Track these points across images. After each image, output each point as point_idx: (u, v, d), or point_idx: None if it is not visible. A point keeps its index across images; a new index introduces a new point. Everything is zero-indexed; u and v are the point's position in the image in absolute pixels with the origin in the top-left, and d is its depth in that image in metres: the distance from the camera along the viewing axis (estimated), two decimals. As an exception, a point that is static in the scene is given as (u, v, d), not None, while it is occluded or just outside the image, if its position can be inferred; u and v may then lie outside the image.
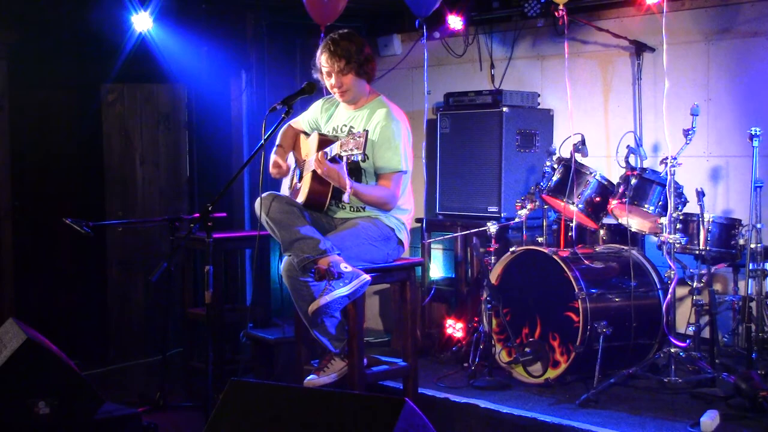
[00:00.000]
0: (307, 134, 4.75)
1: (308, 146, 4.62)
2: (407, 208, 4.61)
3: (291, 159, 4.80)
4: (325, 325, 4.46)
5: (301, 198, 4.46)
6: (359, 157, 4.16)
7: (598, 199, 5.32)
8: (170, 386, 5.49)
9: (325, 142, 4.45)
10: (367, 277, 4.27)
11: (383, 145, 4.40)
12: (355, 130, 4.50)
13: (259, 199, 4.41)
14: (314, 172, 4.35)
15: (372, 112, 4.52)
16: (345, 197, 4.27)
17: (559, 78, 6.09)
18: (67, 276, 6.83)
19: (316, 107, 4.75)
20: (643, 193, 5.07)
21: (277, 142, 4.76)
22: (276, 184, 4.88)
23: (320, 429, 3.11)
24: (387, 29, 7.23)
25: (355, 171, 4.44)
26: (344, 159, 4.20)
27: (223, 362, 5.73)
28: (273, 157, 4.71)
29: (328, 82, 4.54)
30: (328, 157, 4.26)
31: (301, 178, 4.61)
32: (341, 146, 4.18)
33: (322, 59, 4.48)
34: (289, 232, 4.30)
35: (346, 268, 4.22)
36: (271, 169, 4.69)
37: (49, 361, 4.23)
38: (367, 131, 4.20)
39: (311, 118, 4.76)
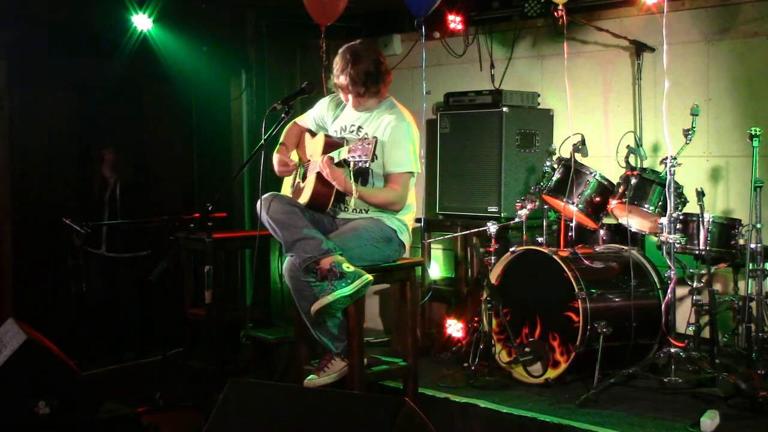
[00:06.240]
0: (312, 133, 4.74)
1: (313, 146, 4.60)
2: (410, 209, 4.60)
3: (294, 157, 4.78)
4: (327, 326, 4.46)
5: (303, 198, 4.45)
6: (366, 165, 4.16)
7: (598, 199, 5.31)
8: (170, 386, 5.48)
9: (330, 144, 4.44)
10: (369, 277, 4.27)
11: (393, 146, 4.38)
12: (363, 130, 4.50)
13: (261, 199, 4.40)
14: (319, 173, 4.34)
15: (381, 113, 4.50)
16: (352, 202, 4.26)
17: (559, 78, 6.09)
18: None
19: (323, 104, 4.71)
20: (643, 193, 5.06)
21: (281, 140, 4.73)
22: (277, 184, 4.87)
23: (320, 429, 3.11)
24: (387, 29, 7.23)
25: (363, 172, 4.43)
26: (351, 165, 4.20)
27: (223, 362, 5.73)
28: (276, 156, 4.68)
29: (344, 95, 4.51)
30: (335, 162, 4.25)
31: (304, 177, 4.60)
32: (349, 151, 4.17)
33: (341, 79, 4.42)
34: (291, 232, 4.29)
35: (348, 267, 4.22)
36: (277, 167, 4.64)
37: (49, 361, 4.23)
38: (377, 138, 4.19)
39: (317, 115, 4.73)
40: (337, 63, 4.45)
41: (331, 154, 4.29)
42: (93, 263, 6.69)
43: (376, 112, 4.51)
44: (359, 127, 4.52)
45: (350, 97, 4.46)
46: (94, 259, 6.66)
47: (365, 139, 4.22)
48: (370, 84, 4.40)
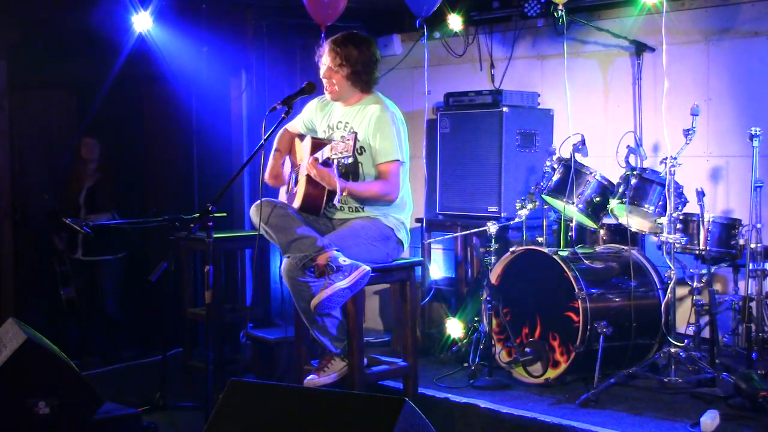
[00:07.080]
0: (302, 137, 4.75)
1: (303, 150, 4.62)
2: (406, 207, 4.60)
3: (287, 163, 4.82)
4: (325, 326, 4.46)
5: (297, 202, 4.46)
6: (349, 160, 4.18)
7: (598, 199, 5.31)
8: (170, 386, 5.48)
9: (317, 145, 4.46)
10: (366, 267, 4.27)
11: (379, 136, 4.40)
12: (350, 125, 4.51)
13: (254, 206, 4.42)
14: (308, 176, 4.37)
15: (366, 106, 4.53)
16: (335, 199, 4.28)
17: (559, 78, 6.08)
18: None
19: (311, 107, 4.74)
20: (643, 193, 5.06)
21: (275, 147, 4.78)
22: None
23: (320, 429, 3.11)
24: (387, 29, 7.22)
25: (353, 169, 4.43)
26: (335, 162, 4.21)
27: (223, 362, 5.73)
28: (270, 162, 4.70)
29: (322, 72, 4.55)
30: (320, 161, 4.27)
31: (297, 182, 4.62)
32: (331, 149, 4.21)
33: (326, 50, 4.50)
34: (286, 234, 4.31)
35: (344, 261, 4.23)
36: (268, 179, 4.70)
37: (49, 361, 4.23)
38: (356, 133, 4.21)
39: (306, 118, 4.75)
40: (326, 43, 4.51)
41: (316, 155, 4.31)
42: (76, 268, 6.67)
43: (361, 106, 4.53)
44: (346, 123, 4.53)
45: (325, 74, 4.47)
46: (76, 264, 6.65)
47: (345, 135, 4.24)
48: (347, 63, 4.42)
